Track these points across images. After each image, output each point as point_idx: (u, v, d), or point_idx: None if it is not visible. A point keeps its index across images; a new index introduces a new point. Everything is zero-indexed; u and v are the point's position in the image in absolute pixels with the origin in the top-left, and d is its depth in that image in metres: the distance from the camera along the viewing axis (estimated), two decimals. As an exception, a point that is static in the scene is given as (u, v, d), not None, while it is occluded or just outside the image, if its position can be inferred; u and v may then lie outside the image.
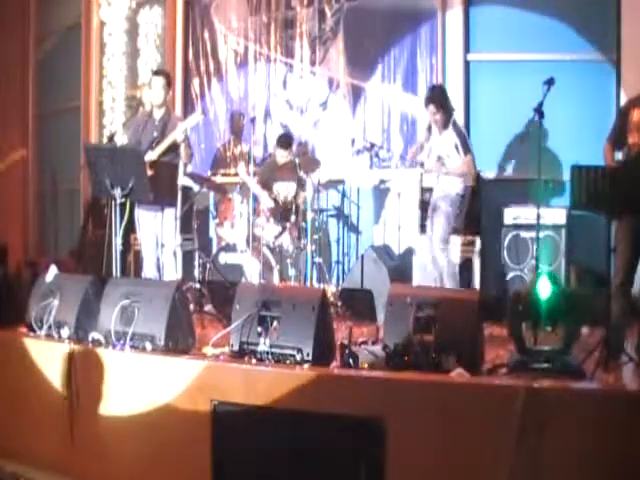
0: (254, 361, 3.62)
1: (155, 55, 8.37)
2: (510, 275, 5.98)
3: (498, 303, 5.13)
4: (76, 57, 8.86)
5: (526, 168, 6.23)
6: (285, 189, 6.43)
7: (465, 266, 5.98)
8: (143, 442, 3.72)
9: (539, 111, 4.54)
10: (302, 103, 7.58)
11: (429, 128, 5.64)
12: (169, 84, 5.90)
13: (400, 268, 6.22)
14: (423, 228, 5.93)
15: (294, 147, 6.92)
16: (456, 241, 5.97)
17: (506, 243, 6.01)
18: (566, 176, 5.23)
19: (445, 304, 3.57)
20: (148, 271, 5.84)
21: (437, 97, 5.53)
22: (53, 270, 4.45)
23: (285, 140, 6.78)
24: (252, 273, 5.87)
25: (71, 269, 7.34)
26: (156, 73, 5.98)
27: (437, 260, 5.49)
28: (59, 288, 4.29)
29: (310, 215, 6.25)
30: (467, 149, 5.45)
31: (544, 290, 3.47)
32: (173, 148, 5.64)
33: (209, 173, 7.83)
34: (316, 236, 6.43)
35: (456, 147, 5.43)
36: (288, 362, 3.55)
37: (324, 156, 7.13)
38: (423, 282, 5.79)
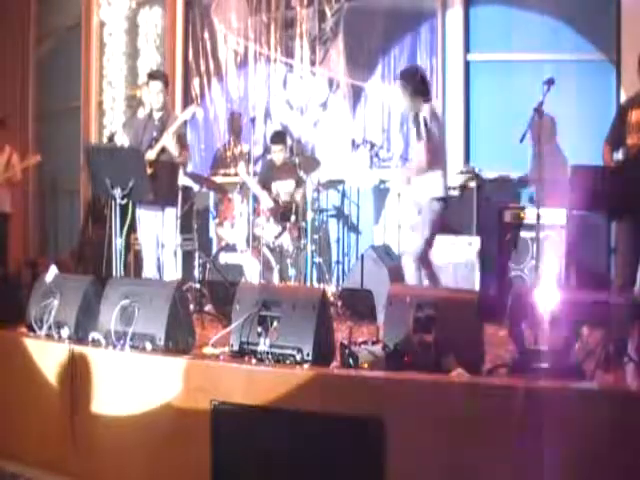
0: (254, 361, 3.61)
1: (155, 55, 8.38)
2: (510, 275, 5.97)
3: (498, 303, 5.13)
4: (76, 57, 8.87)
5: (526, 168, 6.24)
6: (284, 189, 6.43)
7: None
8: (143, 442, 3.71)
9: (539, 111, 4.54)
10: (302, 103, 7.58)
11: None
12: (167, 86, 5.88)
13: (400, 268, 6.20)
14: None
15: (290, 142, 6.92)
16: (456, 241, 5.96)
17: (506, 243, 6.01)
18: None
19: (445, 304, 3.56)
20: (148, 271, 5.84)
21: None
22: (53, 270, 4.44)
23: (277, 135, 6.79)
24: (252, 273, 5.87)
25: (71, 269, 7.35)
26: (153, 77, 5.82)
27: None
28: (59, 288, 4.28)
29: (310, 215, 6.26)
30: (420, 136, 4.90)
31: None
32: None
33: (207, 173, 7.83)
34: (316, 236, 6.44)
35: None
36: (288, 362, 3.54)
37: (324, 156, 7.13)
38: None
